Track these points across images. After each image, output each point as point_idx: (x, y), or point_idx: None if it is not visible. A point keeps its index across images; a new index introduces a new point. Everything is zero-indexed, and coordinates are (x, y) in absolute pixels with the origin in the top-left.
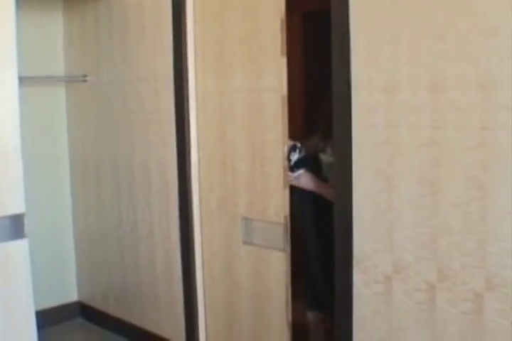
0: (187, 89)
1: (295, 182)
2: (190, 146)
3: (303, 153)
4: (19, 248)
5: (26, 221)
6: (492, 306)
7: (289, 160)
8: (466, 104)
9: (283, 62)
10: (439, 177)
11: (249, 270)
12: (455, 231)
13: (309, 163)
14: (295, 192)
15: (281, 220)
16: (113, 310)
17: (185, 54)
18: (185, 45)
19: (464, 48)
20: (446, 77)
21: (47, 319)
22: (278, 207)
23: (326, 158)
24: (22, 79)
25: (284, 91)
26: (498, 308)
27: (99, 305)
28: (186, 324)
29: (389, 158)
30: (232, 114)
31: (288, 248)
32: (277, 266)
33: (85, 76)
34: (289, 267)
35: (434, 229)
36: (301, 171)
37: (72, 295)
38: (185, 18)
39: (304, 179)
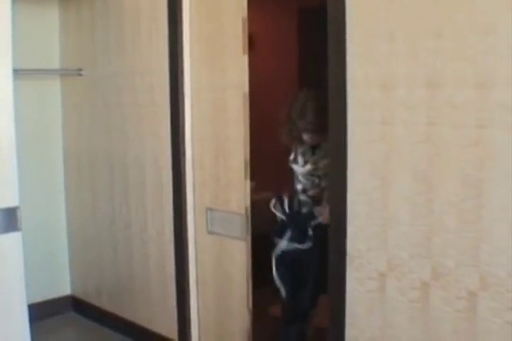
0: (182, 84)
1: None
2: (184, 141)
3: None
4: (13, 241)
5: (20, 214)
6: (486, 305)
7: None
8: (463, 101)
9: (245, 60)
10: (434, 175)
11: (214, 259)
12: (450, 230)
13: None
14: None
15: (243, 211)
16: (106, 304)
17: (181, 48)
18: (181, 39)
19: (461, 46)
20: (442, 74)
21: (39, 312)
22: (240, 198)
23: (298, 168)
24: (17, 72)
25: (246, 88)
26: (492, 307)
27: (91, 299)
28: (179, 319)
29: (384, 155)
30: (200, 110)
31: (249, 237)
32: (239, 254)
33: (80, 69)
34: (250, 255)
35: (429, 226)
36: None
37: (65, 289)
38: (181, 13)
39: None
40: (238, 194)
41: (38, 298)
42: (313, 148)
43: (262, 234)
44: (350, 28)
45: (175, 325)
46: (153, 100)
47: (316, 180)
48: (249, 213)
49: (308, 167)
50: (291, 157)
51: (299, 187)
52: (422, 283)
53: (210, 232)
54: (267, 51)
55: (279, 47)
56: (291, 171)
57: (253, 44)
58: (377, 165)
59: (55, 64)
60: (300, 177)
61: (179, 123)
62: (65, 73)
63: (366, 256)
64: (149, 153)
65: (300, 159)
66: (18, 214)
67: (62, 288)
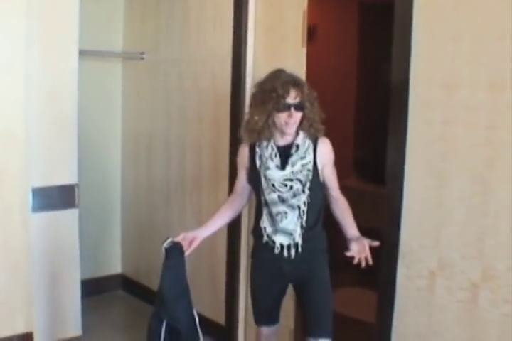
0: (244, 72)
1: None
2: None
3: None
4: (70, 217)
5: (78, 192)
6: None
7: None
8: None
9: (303, 52)
10: (491, 177)
11: None
12: (503, 233)
13: None
14: None
15: None
16: (155, 285)
17: (245, 37)
18: (246, 27)
19: None
20: (506, 77)
21: (89, 289)
22: None
23: (275, 173)
24: (81, 53)
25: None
26: None
27: (141, 279)
28: (226, 303)
29: (443, 154)
30: None
31: None
32: None
33: (142, 53)
34: None
35: (483, 228)
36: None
37: (115, 268)
38: (247, 1)
39: None
40: None
41: (89, 275)
42: (280, 148)
43: None
44: (416, 26)
45: (223, 309)
46: (214, 87)
47: (296, 185)
48: None
49: (289, 170)
50: (257, 162)
51: (274, 196)
52: (471, 284)
53: None
54: (327, 43)
55: (339, 41)
56: (257, 180)
57: (314, 36)
58: (435, 164)
59: (118, 47)
60: (277, 185)
61: (239, 111)
62: (127, 56)
63: (417, 254)
64: (207, 138)
65: (271, 163)
66: (76, 191)
67: (113, 266)
